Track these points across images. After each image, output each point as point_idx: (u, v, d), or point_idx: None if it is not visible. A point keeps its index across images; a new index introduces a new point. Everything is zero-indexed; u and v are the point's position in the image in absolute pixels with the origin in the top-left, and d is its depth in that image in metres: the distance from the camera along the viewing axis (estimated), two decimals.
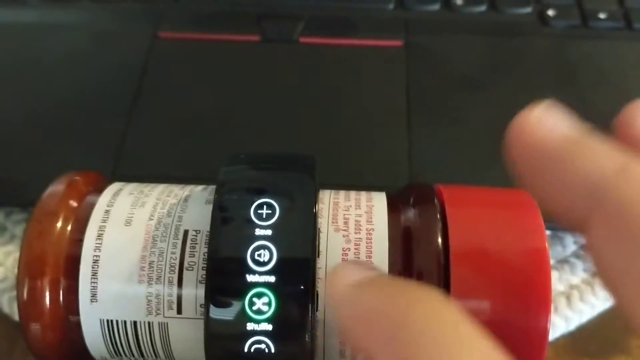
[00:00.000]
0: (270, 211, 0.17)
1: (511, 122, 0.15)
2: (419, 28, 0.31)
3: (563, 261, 0.25)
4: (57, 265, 0.19)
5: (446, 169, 0.26)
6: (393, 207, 0.19)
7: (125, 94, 0.28)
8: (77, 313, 0.18)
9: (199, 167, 0.24)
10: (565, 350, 0.24)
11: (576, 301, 0.24)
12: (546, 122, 0.14)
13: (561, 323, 0.24)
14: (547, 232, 0.26)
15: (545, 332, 0.17)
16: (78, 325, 0.19)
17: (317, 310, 0.17)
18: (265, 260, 0.17)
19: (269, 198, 0.17)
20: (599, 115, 0.28)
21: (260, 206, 0.17)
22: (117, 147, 0.26)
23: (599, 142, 0.13)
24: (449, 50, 0.30)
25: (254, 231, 0.17)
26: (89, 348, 0.19)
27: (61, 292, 0.18)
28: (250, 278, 0.17)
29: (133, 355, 0.19)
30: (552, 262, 0.25)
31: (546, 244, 0.18)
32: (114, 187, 0.20)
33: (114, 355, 0.19)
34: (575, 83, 0.29)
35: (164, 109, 0.28)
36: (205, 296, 0.17)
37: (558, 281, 0.24)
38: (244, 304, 0.17)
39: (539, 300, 0.18)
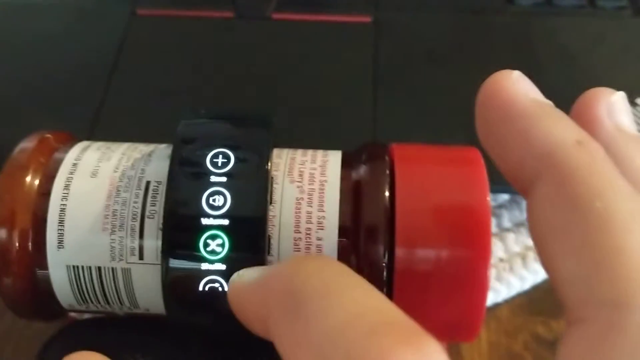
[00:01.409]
0: (225, 160, 0.18)
1: (487, 79, 0.16)
2: (388, 5, 0.32)
3: (520, 224, 0.26)
4: (26, 216, 0.19)
5: (409, 137, 0.27)
6: (347, 164, 0.20)
7: (103, 67, 0.30)
8: (46, 262, 0.19)
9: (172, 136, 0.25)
10: (522, 308, 0.25)
11: (531, 262, 0.25)
12: (520, 85, 0.15)
13: (517, 282, 0.25)
14: (506, 197, 0.27)
15: (484, 279, 0.18)
16: (47, 275, 0.20)
17: (269, 253, 0.18)
18: (220, 204, 0.18)
19: (224, 148, 0.18)
20: (560, 91, 0.29)
21: (216, 155, 0.18)
22: (93, 117, 0.28)
23: (563, 115, 0.15)
24: (417, 27, 0.31)
25: (209, 178, 0.18)
26: (57, 296, 0.20)
27: (30, 241, 0.19)
28: (205, 221, 0.18)
29: (99, 303, 0.20)
30: (509, 224, 0.26)
31: (487, 196, 0.19)
32: (82, 144, 0.21)
33: (81, 302, 0.20)
34: (537, 59, 0.30)
35: (140, 81, 0.29)
36: (162, 238, 0.18)
37: (514, 243, 0.25)
38: (198, 245, 0.17)
39: (479, 249, 0.18)
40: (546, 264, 0.14)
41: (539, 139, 0.14)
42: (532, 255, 0.25)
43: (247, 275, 0.16)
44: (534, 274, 0.25)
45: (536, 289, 0.25)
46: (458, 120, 0.28)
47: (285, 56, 0.30)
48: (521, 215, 0.26)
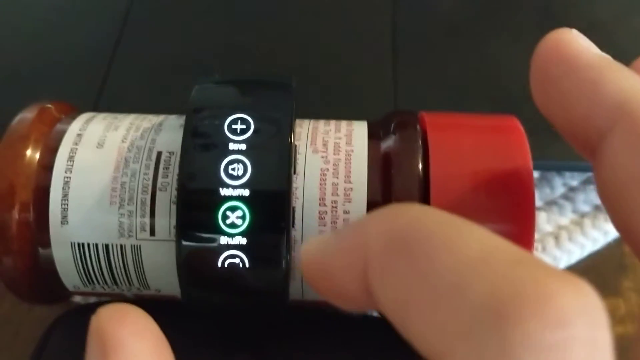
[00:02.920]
0: (244, 126, 0.17)
1: (546, 36, 0.15)
2: None
3: (551, 202, 0.25)
4: (27, 190, 0.18)
5: (431, 108, 0.25)
6: (374, 133, 0.19)
7: (108, 36, 0.28)
8: (48, 239, 0.18)
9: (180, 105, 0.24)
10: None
11: (565, 241, 0.23)
12: (582, 40, 0.15)
13: (549, 262, 0.23)
14: (536, 174, 0.25)
15: (530, 246, 0.17)
16: (50, 253, 0.18)
17: (293, 226, 0.17)
18: (239, 174, 0.16)
19: (242, 113, 0.17)
20: None
21: (234, 121, 0.17)
22: (98, 89, 0.26)
23: (627, 68, 0.14)
24: None
25: (228, 145, 0.16)
26: (61, 277, 0.19)
27: (31, 217, 0.18)
28: (223, 192, 0.16)
29: (106, 283, 0.18)
30: (539, 203, 0.25)
31: (530, 165, 0.18)
32: (87, 115, 0.20)
33: (87, 283, 0.19)
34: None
35: (147, 52, 0.28)
36: (177, 211, 0.16)
37: (546, 222, 0.24)
38: (217, 218, 0.16)
39: (523, 224, 0.17)
40: (625, 219, 0.13)
41: (610, 89, 0.13)
42: (565, 235, 0.24)
43: (323, 238, 0.13)
44: (568, 254, 0.23)
45: (570, 269, 0.24)
46: (481, 91, 0.27)
47: (302, 26, 0.29)
48: (552, 193, 0.25)
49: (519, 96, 0.26)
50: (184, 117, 0.19)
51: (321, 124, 0.19)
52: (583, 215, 0.24)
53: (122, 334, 0.11)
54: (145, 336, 0.12)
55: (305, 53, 0.28)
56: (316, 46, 0.28)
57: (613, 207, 0.13)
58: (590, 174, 0.25)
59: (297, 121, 0.19)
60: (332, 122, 0.19)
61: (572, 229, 0.24)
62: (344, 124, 0.19)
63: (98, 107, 0.26)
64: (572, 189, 0.25)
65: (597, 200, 0.24)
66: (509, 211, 0.17)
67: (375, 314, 0.20)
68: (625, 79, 0.13)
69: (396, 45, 0.27)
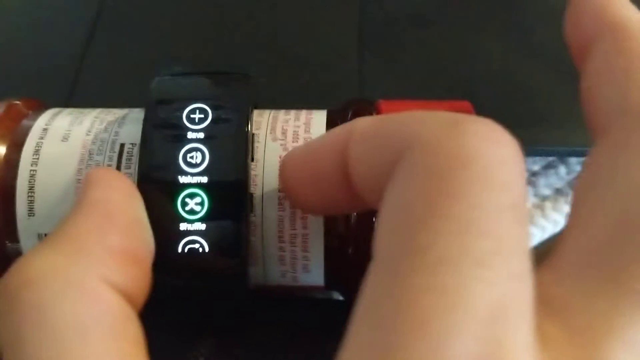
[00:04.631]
0: (202, 115, 0.17)
1: None
2: None
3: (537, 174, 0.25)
4: None
5: (396, 95, 0.26)
6: (332, 121, 0.19)
7: (82, 27, 0.29)
8: (16, 233, 0.18)
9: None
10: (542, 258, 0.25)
11: (549, 212, 0.24)
12: None
13: (537, 232, 0.24)
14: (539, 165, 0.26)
15: None
16: (18, 247, 0.19)
17: (251, 212, 0.17)
18: (198, 162, 0.17)
19: (201, 103, 0.17)
20: (550, 50, 0.28)
21: (192, 111, 0.17)
22: (70, 87, 0.26)
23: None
24: None
25: (186, 134, 0.17)
26: None
27: None
28: (182, 179, 0.17)
29: None
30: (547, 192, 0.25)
31: None
32: (53, 110, 0.20)
33: None
34: (526, 20, 0.29)
35: (119, 43, 0.28)
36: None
37: (532, 195, 0.25)
38: (176, 205, 0.16)
39: None
40: (587, 94, 0.15)
41: (606, 11, 0.15)
42: (549, 205, 0.25)
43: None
44: (554, 224, 0.24)
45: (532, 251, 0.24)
46: (443, 81, 0.28)
47: (270, 15, 0.29)
48: (559, 182, 0.26)
49: (481, 85, 0.27)
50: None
51: (281, 113, 0.19)
52: (544, 198, 0.25)
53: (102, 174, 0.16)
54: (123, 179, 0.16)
55: (272, 44, 0.28)
56: (283, 37, 0.28)
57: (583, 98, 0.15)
58: (551, 159, 0.26)
59: (258, 111, 0.19)
60: (292, 112, 0.20)
61: (534, 212, 0.25)
62: (303, 112, 0.20)
63: (70, 103, 0.26)
64: (533, 174, 0.25)
65: (558, 184, 0.25)
66: None
67: (339, 297, 0.21)
68: (624, 5, 0.15)
69: (362, 36, 0.28)
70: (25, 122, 0.20)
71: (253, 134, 0.18)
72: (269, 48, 0.28)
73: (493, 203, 0.11)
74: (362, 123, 0.14)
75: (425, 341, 0.10)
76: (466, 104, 0.19)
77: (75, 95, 0.27)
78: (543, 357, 0.10)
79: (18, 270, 0.13)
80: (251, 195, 0.17)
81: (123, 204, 0.15)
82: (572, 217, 0.13)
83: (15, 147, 0.19)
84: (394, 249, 0.11)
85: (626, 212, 0.12)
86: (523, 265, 0.11)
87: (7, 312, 0.13)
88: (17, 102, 0.20)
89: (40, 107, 0.21)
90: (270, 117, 0.19)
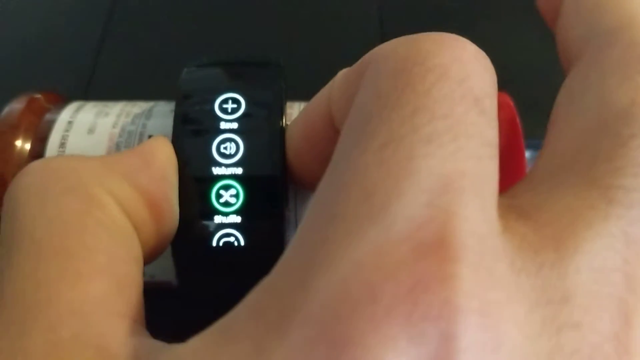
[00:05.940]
0: (235, 105, 0.17)
1: None
2: None
3: None
4: None
5: None
6: None
7: (96, 22, 0.28)
8: None
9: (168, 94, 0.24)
10: None
11: None
12: None
13: None
14: (528, 154, 0.26)
15: None
16: None
17: (287, 206, 0.17)
18: (232, 152, 0.16)
19: (233, 92, 0.17)
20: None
21: (225, 101, 0.17)
22: (87, 80, 0.26)
23: None
24: None
25: (219, 124, 0.16)
26: None
27: None
28: (216, 170, 0.16)
29: None
30: None
31: (522, 139, 0.18)
32: (76, 104, 0.20)
33: None
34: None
35: (134, 38, 0.28)
36: None
37: None
38: (210, 197, 0.16)
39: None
40: (561, 35, 0.14)
41: None
42: None
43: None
44: None
45: None
46: None
47: (289, 9, 0.29)
48: None
49: (507, 77, 0.26)
50: (174, 103, 0.19)
51: None
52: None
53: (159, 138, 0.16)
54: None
55: (293, 36, 0.28)
56: (305, 30, 0.28)
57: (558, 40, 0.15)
58: None
59: (288, 103, 0.19)
60: None
61: None
62: None
63: (87, 98, 0.26)
64: None
65: None
66: (502, 187, 0.17)
67: None
68: None
69: (384, 30, 0.28)
70: (48, 116, 0.19)
71: (287, 125, 0.18)
72: (291, 42, 0.27)
73: (447, 92, 0.11)
74: (341, 71, 0.14)
75: (367, 207, 0.10)
76: (504, 95, 0.19)
77: (90, 92, 0.26)
78: (505, 239, 0.10)
79: (44, 159, 0.14)
80: (287, 188, 0.17)
81: (164, 164, 0.16)
82: (548, 134, 0.13)
83: (40, 142, 0.18)
84: (345, 145, 0.11)
85: (599, 117, 0.12)
86: (483, 150, 0.11)
87: (18, 179, 0.14)
88: (38, 95, 0.20)
89: (60, 100, 0.20)
90: (301, 109, 0.19)
